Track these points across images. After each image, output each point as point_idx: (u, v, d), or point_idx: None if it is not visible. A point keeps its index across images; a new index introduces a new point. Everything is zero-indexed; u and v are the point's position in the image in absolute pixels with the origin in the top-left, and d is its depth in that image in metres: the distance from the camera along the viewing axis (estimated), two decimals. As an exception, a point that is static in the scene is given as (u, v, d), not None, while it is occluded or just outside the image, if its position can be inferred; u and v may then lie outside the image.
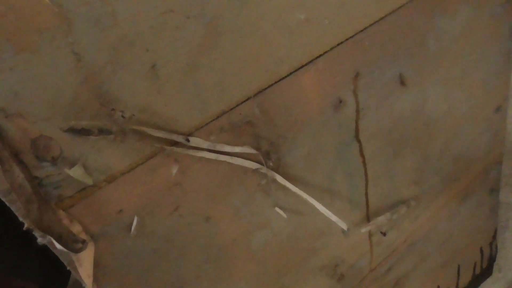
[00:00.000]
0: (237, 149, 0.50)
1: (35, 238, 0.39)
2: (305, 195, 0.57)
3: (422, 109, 0.69)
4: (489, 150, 0.89)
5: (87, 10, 0.37)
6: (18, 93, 0.36)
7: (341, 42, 0.53)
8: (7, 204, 0.39)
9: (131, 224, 0.47)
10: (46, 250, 0.42)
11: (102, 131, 0.39)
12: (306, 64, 0.52)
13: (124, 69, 0.40)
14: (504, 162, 0.97)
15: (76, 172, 0.40)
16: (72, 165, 0.41)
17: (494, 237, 1.13)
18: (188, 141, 0.46)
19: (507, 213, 1.36)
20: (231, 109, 0.49)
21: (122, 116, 0.40)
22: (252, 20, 0.45)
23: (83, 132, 0.38)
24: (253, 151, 0.51)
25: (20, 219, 0.39)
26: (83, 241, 0.42)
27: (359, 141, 0.64)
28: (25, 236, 0.45)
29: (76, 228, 0.43)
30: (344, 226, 0.59)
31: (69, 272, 0.44)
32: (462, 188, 0.90)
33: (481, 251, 1.11)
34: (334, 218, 0.59)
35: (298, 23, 0.49)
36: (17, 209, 0.38)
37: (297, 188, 0.56)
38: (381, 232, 0.76)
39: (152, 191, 0.47)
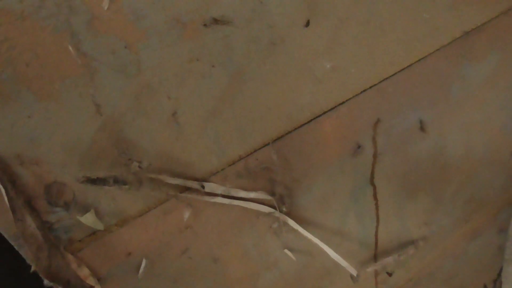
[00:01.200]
0: (251, 195, 0.49)
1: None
2: (315, 240, 0.56)
3: (440, 153, 0.68)
4: (502, 192, 0.88)
5: (113, 59, 0.35)
6: (35, 140, 0.35)
7: (365, 90, 0.52)
8: (16, 248, 0.38)
9: (139, 266, 0.46)
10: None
11: (117, 181, 0.38)
12: (328, 111, 0.51)
13: (145, 116, 0.39)
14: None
15: (88, 219, 0.39)
16: (84, 210, 0.40)
17: (499, 274, 1.12)
18: (203, 187, 0.45)
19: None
20: (248, 155, 0.48)
21: (139, 167, 0.39)
22: (278, 69, 0.44)
23: (98, 181, 0.37)
24: (267, 196, 0.50)
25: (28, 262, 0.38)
26: (91, 287, 0.41)
27: (373, 184, 0.62)
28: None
29: (84, 273, 0.42)
30: (353, 272, 0.58)
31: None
32: (472, 228, 0.89)
33: (485, 288, 1.10)
34: (344, 263, 0.57)
35: (324, 72, 0.47)
36: (27, 255, 0.37)
37: (308, 233, 0.55)
38: (387, 273, 0.74)
39: (162, 234, 0.46)
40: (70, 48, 0.33)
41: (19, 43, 0.31)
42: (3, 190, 0.34)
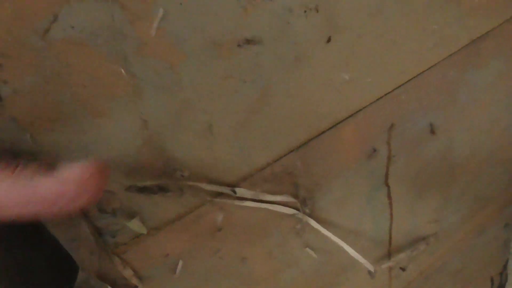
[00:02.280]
0: (277, 198, 0.53)
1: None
2: (335, 238, 0.60)
3: (448, 154, 0.72)
4: (507, 189, 0.91)
5: (158, 79, 0.39)
6: (89, 154, 0.39)
7: (380, 97, 0.56)
8: (69, 251, 0.41)
9: (176, 266, 0.50)
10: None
11: (161, 189, 0.42)
12: (345, 119, 0.54)
13: (184, 130, 0.43)
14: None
15: (134, 224, 0.43)
16: (129, 216, 0.43)
17: (505, 266, 1.16)
18: (235, 192, 0.48)
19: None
20: (275, 161, 0.51)
21: (182, 175, 0.43)
22: (301, 82, 0.48)
23: (144, 190, 0.41)
24: (292, 199, 0.54)
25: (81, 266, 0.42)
26: (135, 286, 0.45)
27: (388, 185, 0.66)
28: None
29: (128, 273, 0.45)
30: (371, 268, 0.62)
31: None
32: (479, 224, 0.92)
33: (492, 281, 1.14)
34: (362, 260, 0.61)
35: (342, 82, 0.51)
36: (80, 257, 0.41)
37: (329, 232, 0.59)
38: (401, 268, 0.78)
39: (197, 237, 0.50)
40: (122, 70, 0.36)
41: (78, 68, 0.35)
42: (62, 200, 0.38)
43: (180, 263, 0.49)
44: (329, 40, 0.47)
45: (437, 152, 0.70)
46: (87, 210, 0.40)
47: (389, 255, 0.76)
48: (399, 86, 0.57)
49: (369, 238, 0.70)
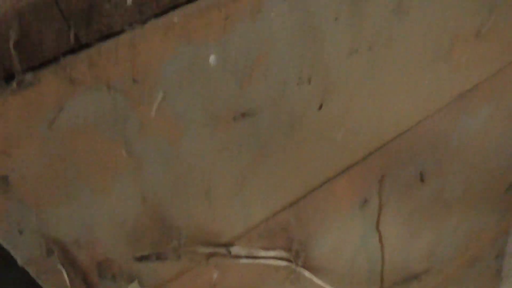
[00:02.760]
0: (271, 253, 0.55)
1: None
2: (328, 287, 0.61)
3: (440, 196, 0.74)
4: (499, 222, 0.93)
5: (157, 155, 0.41)
6: (91, 226, 0.41)
7: (371, 153, 0.58)
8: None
9: (173, 321, 0.51)
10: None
11: (159, 257, 0.43)
12: (338, 174, 0.56)
13: (182, 198, 0.44)
14: None
15: (133, 288, 0.44)
16: (129, 280, 0.45)
17: (496, 294, 1.18)
18: (230, 252, 0.50)
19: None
20: (270, 218, 0.53)
21: (179, 244, 0.44)
22: (295, 145, 0.49)
23: (142, 259, 0.43)
24: (285, 254, 0.55)
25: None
26: None
27: (379, 230, 0.68)
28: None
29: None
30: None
31: None
32: (471, 256, 0.94)
33: (483, 309, 1.15)
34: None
35: (335, 142, 0.53)
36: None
37: (321, 281, 0.61)
38: (393, 306, 0.80)
39: (194, 293, 0.51)
40: (123, 152, 0.38)
41: (81, 152, 0.37)
42: (64, 273, 0.39)
43: (177, 318, 0.51)
44: (320, 107, 0.49)
45: (428, 195, 0.72)
46: (87, 276, 0.42)
47: (381, 294, 0.78)
48: (390, 141, 0.59)
49: (362, 281, 0.72)
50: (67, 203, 0.38)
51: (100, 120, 0.36)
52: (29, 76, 0.31)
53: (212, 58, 0.39)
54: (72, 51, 0.33)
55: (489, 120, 0.69)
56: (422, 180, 0.67)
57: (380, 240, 0.69)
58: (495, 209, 0.91)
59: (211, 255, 0.49)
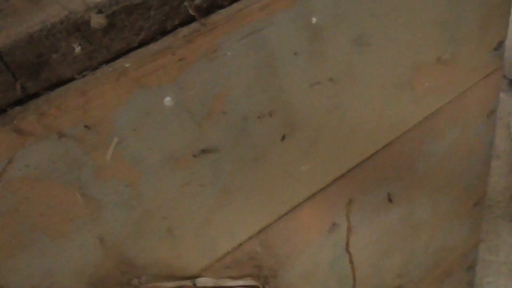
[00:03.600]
0: (239, 282, 0.54)
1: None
2: (299, 312, 0.61)
3: (409, 217, 0.74)
4: (468, 237, 0.95)
5: (116, 197, 0.40)
6: (50, 272, 0.40)
7: (337, 179, 0.58)
8: None
9: None
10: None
11: (121, 298, 0.43)
12: (304, 201, 0.56)
13: (143, 238, 0.44)
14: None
15: (95, 331, 0.43)
16: (91, 321, 0.44)
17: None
18: (196, 285, 0.50)
19: (483, 271, 1.43)
20: (236, 248, 0.53)
21: (139, 282, 0.44)
22: (260, 178, 0.50)
23: (104, 300, 0.42)
24: (253, 282, 0.55)
25: None
26: None
27: (349, 252, 0.68)
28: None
29: None
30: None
31: None
32: (443, 271, 0.96)
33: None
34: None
35: (300, 173, 0.53)
36: None
37: (292, 307, 0.61)
38: (367, 324, 0.80)
39: (160, 328, 0.51)
40: (79, 196, 0.38)
41: (35, 200, 0.36)
42: (21, 321, 0.38)
43: None
44: (283, 138, 0.49)
45: (397, 217, 0.72)
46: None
47: (355, 313, 0.78)
48: (355, 166, 0.60)
49: (334, 301, 0.72)
50: (23, 252, 0.38)
51: (53, 168, 0.36)
52: (-28, 132, 0.31)
53: (167, 100, 0.39)
54: (20, 102, 0.33)
55: (455, 142, 0.71)
56: (390, 200, 0.68)
57: (351, 261, 0.69)
58: (464, 224, 0.92)
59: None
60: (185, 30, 0.37)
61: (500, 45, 0.68)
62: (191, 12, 0.37)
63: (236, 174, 0.47)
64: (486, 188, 0.88)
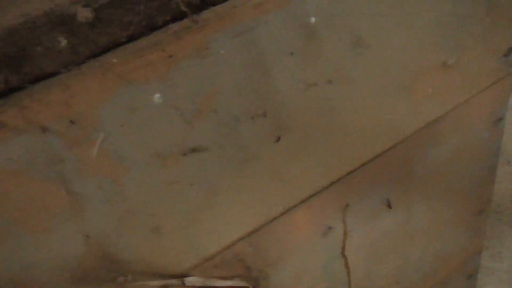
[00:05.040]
0: (228, 283, 0.54)
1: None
2: (289, 315, 0.61)
3: (406, 222, 0.73)
4: (469, 245, 0.93)
5: (100, 193, 0.40)
6: (30, 265, 0.39)
7: (333, 182, 0.57)
8: None
9: None
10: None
11: (104, 295, 0.42)
12: (298, 204, 0.55)
13: (129, 234, 0.43)
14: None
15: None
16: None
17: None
18: (184, 283, 0.49)
19: (485, 278, 1.40)
20: (224, 249, 0.52)
21: (125, 279, 0.43)
22: (250, 179, 0.49)
23: (86, 297, 0.42)
24: (243, 283, 0.55)
25: None
26: None
27: (344, 256, 0.67)
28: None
29: None
30: None
31: None
32: (441, 279, 0.94)
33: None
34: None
35: (293, 175, 0.52)
36: None
37: (282, 310, 0.60)
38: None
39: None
40: (63, 191, 0.37)
41: (15, 194, 0.35)
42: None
43: None
44: (278, 139, 0.48)
45: (394, 223, 0.71)
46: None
47: (348, 317, 0.77)
48: (353, 170, 0.58)
49: (326, 304, 0.71)
50: (1, 246, 0.37)
51: (35, 162, 0.35)
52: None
53: (156, 96, 0.38)
54: (2, 95, 0.32)
55: (457, 149, 0.69)
56: (389, 206, 0.66)
57: (346, 265, 0.68)
58: (465, 232, 0.90)
59: (164, 287, 0.49)
60: (175, 27, 0.36)
61: (510, 51, 0.66)
62: (183, 8, 0.36)
63: (226, 174, 0.46)
64: (491, 196, 0.86)
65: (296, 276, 0.62)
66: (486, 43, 0.60)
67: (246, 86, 0.43)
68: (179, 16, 0.37)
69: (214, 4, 0.38)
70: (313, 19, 0.42)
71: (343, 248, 0.66)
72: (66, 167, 0.37)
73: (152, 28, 0.36)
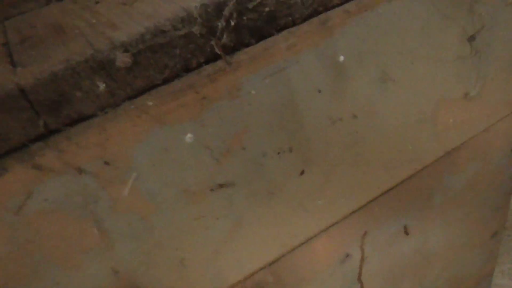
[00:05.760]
0: (248, 312, 0.54)
1: None
2: None
3: (423, 248, 0.73)
4: (482, 266, 0.93)
5: (129, 230, 0.40)
6: (59, 300, 0.40)
7: (353, 211, 0.57)
8: None
9: None
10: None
11: (130, 328, 0.43)
12: (318, 233, 0.56)
13: (155, 267, 0.44)
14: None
15: None
16: None
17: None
18: (205, 315, 0.49)
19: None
20: (246, 278, 0.52)
21: (150, 313, 0.44)
22: (274, 212, 0.49)
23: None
24: (262, 312, 0.55)
25: None
26: None
27: (361, 281, 0.67)
28: None
29: None
30: None
31: None
32: (454, 300, 0.94)
33: None
34: None
35: (316, 207, 0.52)
36: None
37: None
38: None
39: None
40: (95, 229, 0.37)
41: (50, 233, 0.36)
42: None
43: None
44: (302, 172, 0.48)
45: (411, 249, 0.71)
46: None
47: None
48: (372, 200, 0.59)
49: (341, 329, 0.71)
50: (37, 281, 0.38)
51: (70, 201, 0.36)
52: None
53: (188, 136, 0.38)
54: (41, 137, 0.32)
55: (475, 176, 0.69)
56: (406, 233, 0.66)
57: (361, 291, 0.68)
58: (480, 254, 0.90)
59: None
60: (209, 69, 0.37)
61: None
62: (217, 50, 0.36)
63: (251, 207, 0.47)
64: (505, 219, 0.86)
65: (313, 303, 0.62)
66: (507, 74, 0.60)
67: (274, 123, 0.43)
68: (213, 58, 0.37)
69: (247, 46, 0.38)
70: (342, 58, 0.43)
71: (359, 274, 0.66)
72: (99, 206, 0.37)
73: (187, 70, 0.36)
